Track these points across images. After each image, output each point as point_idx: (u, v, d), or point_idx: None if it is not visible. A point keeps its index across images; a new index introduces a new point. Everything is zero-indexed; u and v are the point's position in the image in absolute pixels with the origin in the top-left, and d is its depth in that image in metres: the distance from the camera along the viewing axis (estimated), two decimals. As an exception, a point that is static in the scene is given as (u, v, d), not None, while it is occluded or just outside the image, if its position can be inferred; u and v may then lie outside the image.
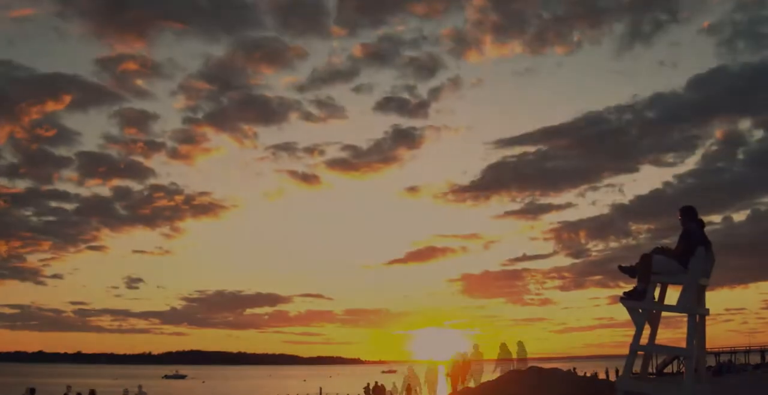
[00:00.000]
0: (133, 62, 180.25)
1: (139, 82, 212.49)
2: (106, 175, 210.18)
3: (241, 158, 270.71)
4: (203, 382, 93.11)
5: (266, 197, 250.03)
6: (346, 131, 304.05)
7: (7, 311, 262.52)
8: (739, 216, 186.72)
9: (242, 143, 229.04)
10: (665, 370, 50.05)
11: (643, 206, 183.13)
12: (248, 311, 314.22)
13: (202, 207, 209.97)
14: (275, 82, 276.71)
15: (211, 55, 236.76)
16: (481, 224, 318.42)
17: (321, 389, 60.11)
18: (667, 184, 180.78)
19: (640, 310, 7.99)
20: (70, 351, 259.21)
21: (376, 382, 35.45)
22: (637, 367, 8.72)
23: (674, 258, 7.84)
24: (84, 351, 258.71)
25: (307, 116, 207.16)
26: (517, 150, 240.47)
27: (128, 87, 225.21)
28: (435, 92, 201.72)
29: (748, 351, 64.11)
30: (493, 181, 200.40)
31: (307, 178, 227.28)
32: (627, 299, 8.03)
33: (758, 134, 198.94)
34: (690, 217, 8.02)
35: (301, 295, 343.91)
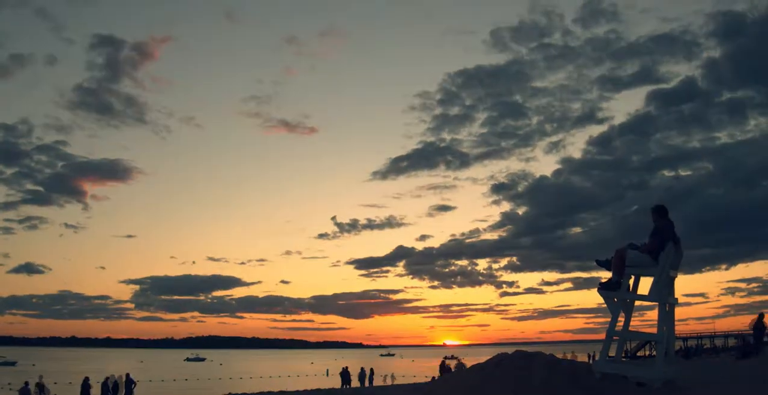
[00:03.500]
0: None
1: None
2: None
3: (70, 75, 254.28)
4: (221, 365, 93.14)
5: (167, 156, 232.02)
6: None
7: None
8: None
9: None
10: (638, 354, 50.08)
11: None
12: (214, 294, 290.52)
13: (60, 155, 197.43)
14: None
15: None
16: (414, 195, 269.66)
17: (327, 370, 60.16)
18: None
19: (615, 299, 8.06)
20: (100, 336, 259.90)
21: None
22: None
23: (646, 253, 7.90)
24: (113, 337, 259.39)
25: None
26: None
27: None
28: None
29: (713, 337, 64.34)
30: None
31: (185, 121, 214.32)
32: (603, 289, 8.10)
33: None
34: (661, 215, 8.08)
35: (260, 281, 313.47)
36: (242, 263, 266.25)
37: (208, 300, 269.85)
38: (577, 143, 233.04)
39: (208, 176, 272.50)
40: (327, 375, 55.98)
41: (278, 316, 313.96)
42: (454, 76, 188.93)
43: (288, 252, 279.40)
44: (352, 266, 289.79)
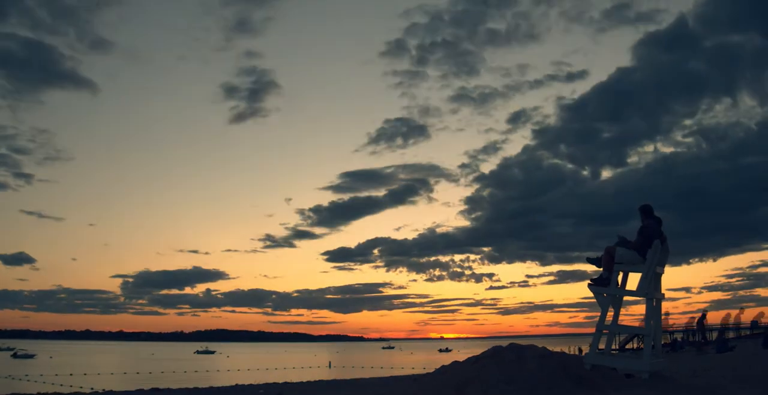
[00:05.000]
0: None
1: None
2: None
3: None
4: (228, 357, 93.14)
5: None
6: None
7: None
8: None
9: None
10: (627, 346, 49.98)
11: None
12: (199, 288, 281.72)
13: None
14: None
15: None
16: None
17: (330, 362, 60.21)
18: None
19: (605, 295, 8.07)
20: (113, 330, 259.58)
21: None
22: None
23: (634, 250, 7.92)
24: (126, 330, 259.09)
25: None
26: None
27: None
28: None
29: (696, 331, 64.41)
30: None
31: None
32: (594, 285, 8.13)
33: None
34: (647, 214, 8.10)
35: (238, 276, 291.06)
36: (207, 252, 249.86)
37: (194, 294, 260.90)
38: (544, 109, 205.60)
39: (155, 153, 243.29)
40: (330, 367, 55.98)
41: (269, 310, 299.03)
42: (397, 21, 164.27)
43: (253, 240, 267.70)
44: (324, 258, 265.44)
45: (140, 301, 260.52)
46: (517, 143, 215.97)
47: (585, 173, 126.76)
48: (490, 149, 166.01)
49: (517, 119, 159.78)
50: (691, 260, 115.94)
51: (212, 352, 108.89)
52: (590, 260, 8.40)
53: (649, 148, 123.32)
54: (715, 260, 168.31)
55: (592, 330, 8.17)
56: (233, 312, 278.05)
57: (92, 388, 25.43)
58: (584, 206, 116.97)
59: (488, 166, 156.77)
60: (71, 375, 38.30)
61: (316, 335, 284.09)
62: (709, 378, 8.56)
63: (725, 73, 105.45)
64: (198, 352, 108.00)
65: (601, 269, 8.18)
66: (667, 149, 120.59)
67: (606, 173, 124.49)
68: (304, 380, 19.76)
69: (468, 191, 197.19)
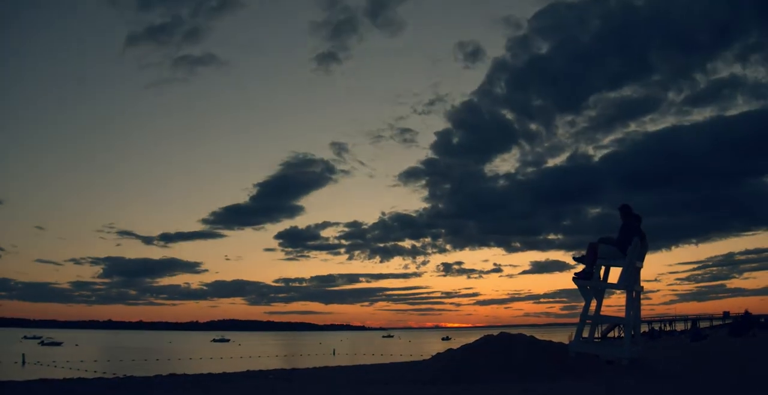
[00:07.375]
0: None
1: None
2: None
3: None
4: (240, 345, 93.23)
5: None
6: None
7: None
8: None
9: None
10: (608, 335, 50.07)
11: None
12: (178, 278, 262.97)
13: None
14: None
15: None
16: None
17: (335, 350, 60.26)
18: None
19: (588, 287, 8.15)
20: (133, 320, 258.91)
21: None
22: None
23: (615, 246, 8.00)
24: (144, 320, 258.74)
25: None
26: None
27: None
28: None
29: (674, 320, 64.51)
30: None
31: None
32: (578, 279, 8.20)
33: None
34: (627, 213, 8.19)
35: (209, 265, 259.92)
36: (150, 235, 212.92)
37: (177, 285, 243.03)
38: (477, 36, 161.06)
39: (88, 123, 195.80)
40: (334, 354, 56.04)
41: (254, 299, 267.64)
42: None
43: (196, 222, 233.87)
44: (278, 242, 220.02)
45: (132, 292, 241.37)
46: (454, 85, 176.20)
47: (535, 128, 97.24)
48: (415, 102, 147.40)
49: (448, 52, 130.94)
50: (672, 247, 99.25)
51: (227, 340, 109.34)
52: (577, 259, 8.48)
53: (615, 93, 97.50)
54: (697, 246, 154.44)
55: (575, 320, 8.25)
56: (229, 303, 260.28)
57: (114, 373, 25.50)
58: (542, 179, 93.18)
59: (422, 121, 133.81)
60: (95, 361, 38.35)
61: (321, 325, 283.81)
62: (683, 364, 8.63)
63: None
64: (215, 340, 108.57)
65: (585, 264, 8.25)
66: (636, 93, 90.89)
67: (562, 130, 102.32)
68: (311, 366, 19.82)
69: (408, 161, 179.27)
